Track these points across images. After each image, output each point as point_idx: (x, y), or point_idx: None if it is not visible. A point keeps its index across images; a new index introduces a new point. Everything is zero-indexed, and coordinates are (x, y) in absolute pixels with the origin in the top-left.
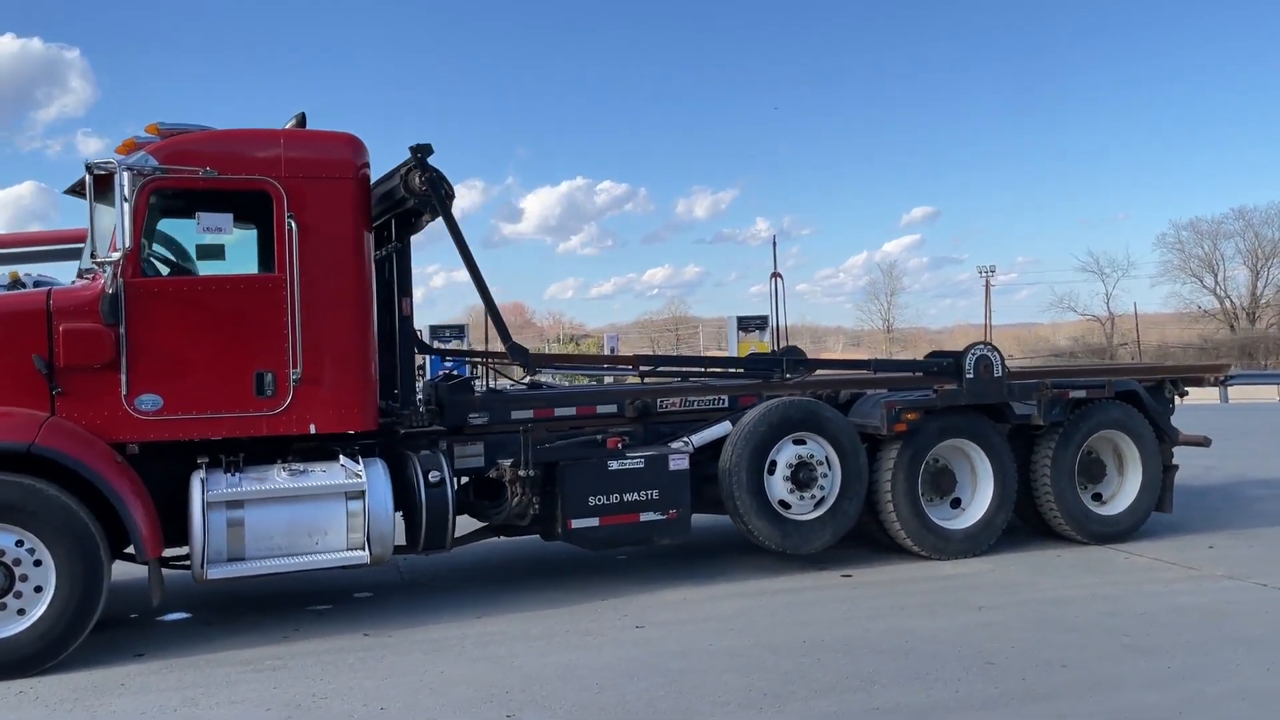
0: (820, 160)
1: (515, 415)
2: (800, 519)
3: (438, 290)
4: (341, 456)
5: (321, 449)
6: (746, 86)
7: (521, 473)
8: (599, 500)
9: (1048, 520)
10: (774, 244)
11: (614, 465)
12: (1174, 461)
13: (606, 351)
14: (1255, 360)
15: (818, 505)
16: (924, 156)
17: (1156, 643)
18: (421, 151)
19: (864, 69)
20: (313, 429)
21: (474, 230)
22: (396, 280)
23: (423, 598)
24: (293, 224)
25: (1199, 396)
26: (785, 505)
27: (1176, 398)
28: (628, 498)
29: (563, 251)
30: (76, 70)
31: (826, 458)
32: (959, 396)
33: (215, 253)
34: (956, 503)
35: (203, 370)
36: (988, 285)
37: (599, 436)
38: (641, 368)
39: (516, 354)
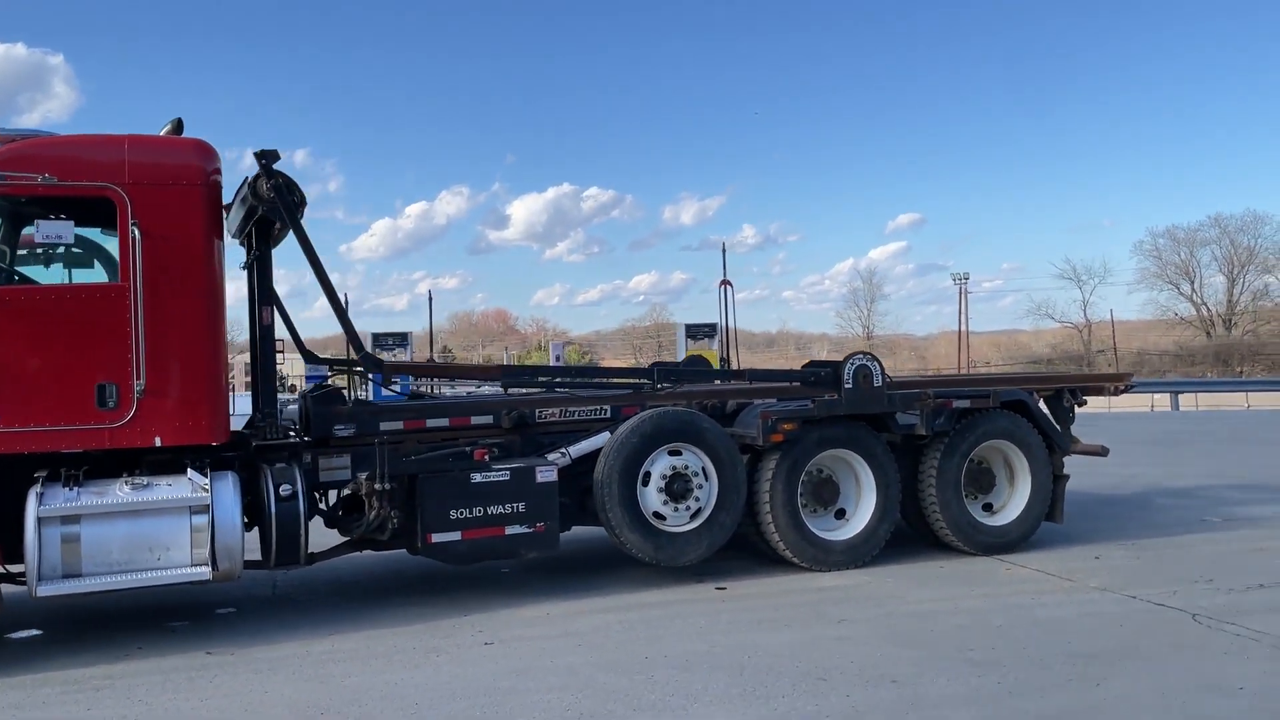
0: (807, 167)
1: (384, 427)
2: (675, 531)
3: (422, 297)
4: (189, 470)
5: (175, 462)
6: (735, 93)
7: (378, 486)
8: (461, 514)
9: (935, 531)
10: (723, 250)
11: (477, 478)
12: (1065, 472)
13: (552, 360)
14: (1230, 367)
15: (694, 517)
16: (910, 163)
17: (999, 657)
18: (266, 157)
19: (850, 75)
20: (158, 442)
21: (460, 237)
22: (258, 290)
23: (284, 613)
24: (136, 231)
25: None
26: (660, 517)
27: (1077, 407)
28: (492, 511)
29: (549, 258)
30: (60, 75)
31: (703, 469)
32: (838, 406)
33: (84, 261)
34: (841, 513)
35: (41, 382)
36: (961, 293)
37: (468, 448)
38: (505, 379)
39: (370, 364)
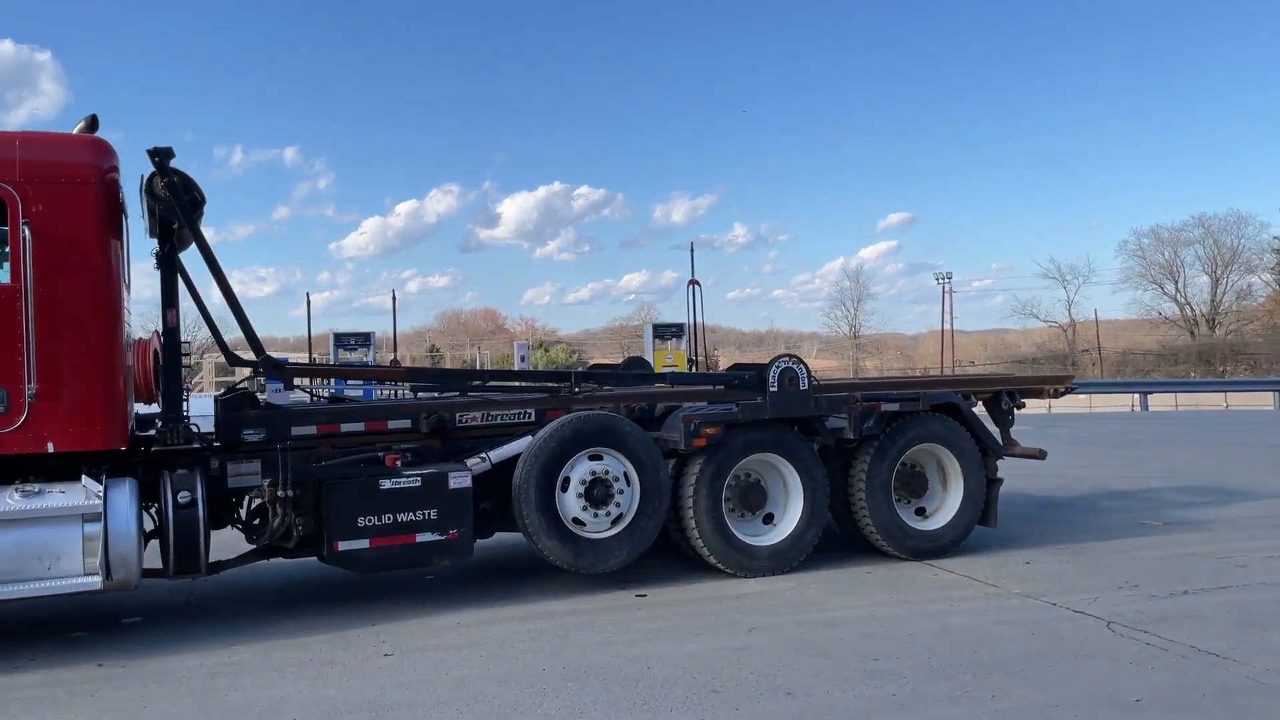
0: (798, 166)
1: (296, 431)
2: (595, 537)
3: (412, 296)
4: (84, 477)
5: (75, 468)
6: (726, 93)
7: (280, 493)
8: (369, 521)
9: (865, 536)
10: (691, 250)
11: (386, 484)
12: (999, 475)
13: (517, 361)
14: (1213, 367)
15: (615, 523)
16: (900, 162)
17: (900, 667)
18: (160, 155)
19: (840, 74)
20: (50, 448)
21: (451, 235)
22: (162, 291)
23: (192, 622)
24: (27, 231)
25: (1119, 404)
26: (580, 523)
27: (1015, 410)
28: (402, 518)
29: (540, 257)
30: (48, 72)
31: (625, 474)
32: (762, 410)
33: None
34: (769, 519)
35: None
36: (945, 292)
37: (381, 454)
38: (412, 381)
39: (268, 367)
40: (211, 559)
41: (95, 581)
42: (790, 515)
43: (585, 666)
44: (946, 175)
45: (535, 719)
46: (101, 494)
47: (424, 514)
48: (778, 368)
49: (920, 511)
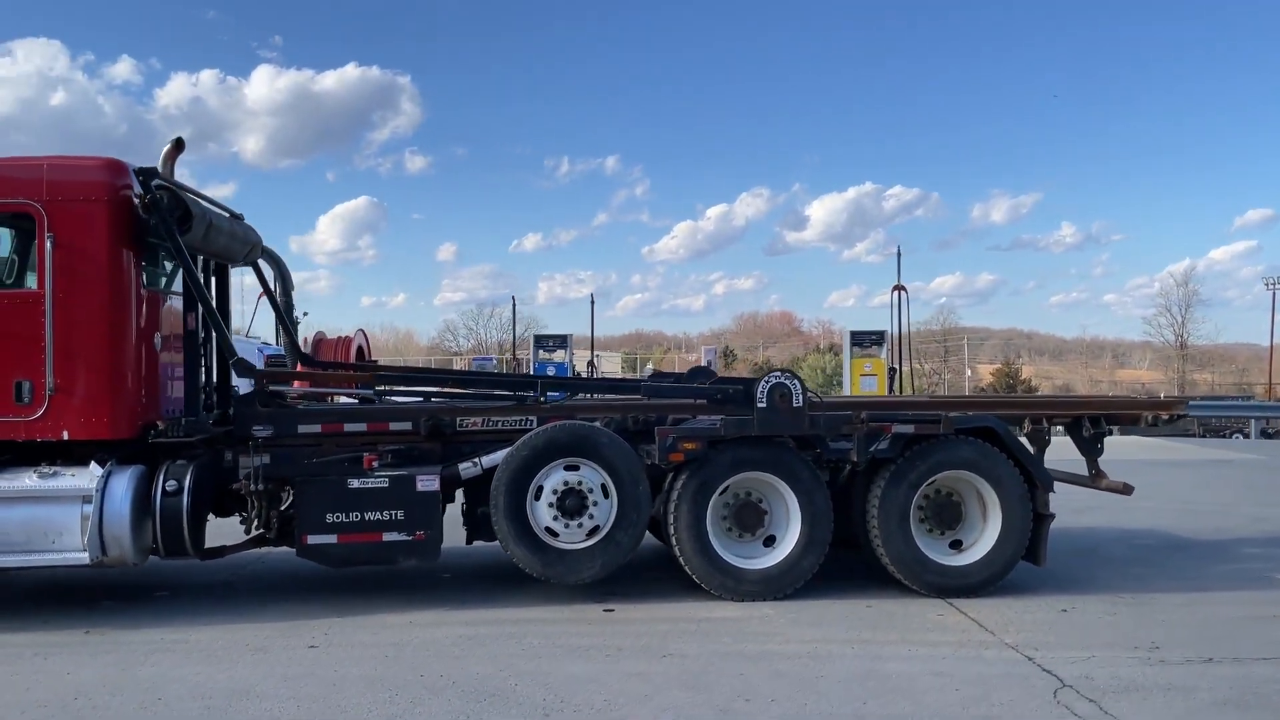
0: (1138, 160)
1: (303, 429)
2: (566, 548)
3: (718, 298)
4: (92, 463)
5: (95, 455)
6: (1056, 87)
7: (253, 487)
8: (337, 518)
9: (884, 566)
10: (898, 254)
11: (354, 483)
12: (1050, 510)
13: (704, 365)
14: None
15: (591, 534)
16: (1263, 154)
17: (766, 709)
18: (144, 174)
19: (1193, 62)
20: (65, 435)
21: (758, 238)
22: (184, 298)
23: (205, 601)
24: (50, 243)
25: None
26: (553, 533)
27: (1103, 437)
28: (370, 516)
29: (847, 259)
30: (407, 94)
31: (602, 485)
32: (749, 427)
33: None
34: (770, 541)
35: None
36: (1275, 300)
37: (364, 454)
38: (377, 384)
39: (240, 370)
40: (218, 544)
41: (84, 557)
42: (788, 539)
43: (469, 678)
44: None
45: None
46: (103, 479)
47: (391, 514)
48: (767, 383)
49: (956, 545)
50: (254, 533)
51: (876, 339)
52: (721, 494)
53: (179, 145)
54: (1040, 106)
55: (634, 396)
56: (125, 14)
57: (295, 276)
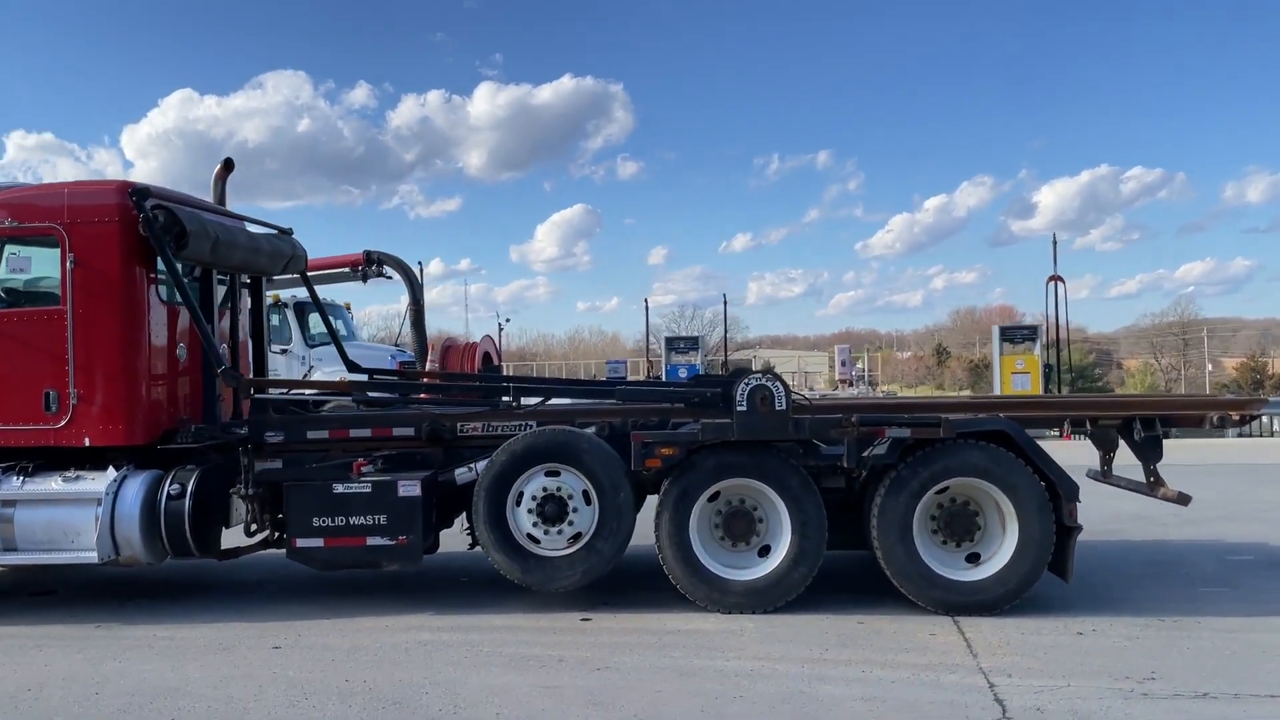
0: None
1: (311, 435)
2: (546, 555)
3: (937, 293)
4: (110, 467)
5: (119, 460)
6: None
7: (243, 492)
8: (323, 522)
9: (890, 580)
10: (1054, 241)
11: (339, 488)
12: (1077, 522)
13: (839, 365)
14: None
15: (573, 541)
16: None
17: None
18: (136, 194)
19: None
20: (87, 442)
21: (981, 229)
22: (200, 310)
23: (227, 600)
24: (70, 263)
25: None
26: (534, 540)
27: (1161, 440)
28: (354, 521)
29: (1079, 247)
30: (619, 102)
31: (584, 492)
32: (727, 432)
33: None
34: (765, 550)
35: (8, 390)
36: None
37: (354, 460)
38: (356, 393)
39: (228, 378)
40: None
41: (93, 556)
42: (779, 550)
43: (381, 685)
44: None
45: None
46: (116, 483)
47: (374, 519)
48: (746, 385)
49: (974, 558)
50: (256, 536)
51: (1029, 334)
52: (712, 501)
53: (228, 165)
54: None
55: (608, 401)
56: (362, 40)
57: (515, 285)
